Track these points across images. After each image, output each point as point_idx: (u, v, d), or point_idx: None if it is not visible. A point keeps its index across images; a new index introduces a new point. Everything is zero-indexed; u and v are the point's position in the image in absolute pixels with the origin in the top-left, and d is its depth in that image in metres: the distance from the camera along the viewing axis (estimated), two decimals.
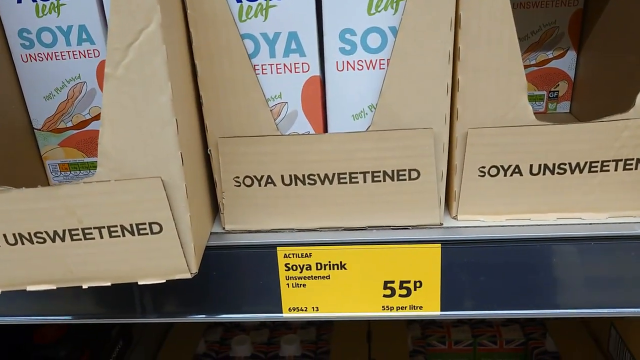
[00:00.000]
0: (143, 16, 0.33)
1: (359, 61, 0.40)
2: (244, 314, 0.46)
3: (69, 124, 0.49)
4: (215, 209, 0.47)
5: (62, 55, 0.46)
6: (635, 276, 0.42)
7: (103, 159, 0.36)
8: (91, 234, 0.38)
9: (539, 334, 0.89)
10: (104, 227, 0.37)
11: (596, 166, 0.42)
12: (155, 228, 0.38)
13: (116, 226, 0.38)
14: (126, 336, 0.82)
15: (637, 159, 0.41)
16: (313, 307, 0.45)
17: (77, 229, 0.37)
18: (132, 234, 0.38)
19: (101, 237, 0.38)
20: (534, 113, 0.64)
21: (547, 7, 0.60)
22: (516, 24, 0.60)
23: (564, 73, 0.62)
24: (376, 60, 0.40)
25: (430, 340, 0.90)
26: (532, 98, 0.63)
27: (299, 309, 0.45)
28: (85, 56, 0.46)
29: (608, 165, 0.42)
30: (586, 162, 0.42)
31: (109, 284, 0.39)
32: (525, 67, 0.62)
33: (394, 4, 0.38)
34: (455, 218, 0.45)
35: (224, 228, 0.45)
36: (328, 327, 0.93)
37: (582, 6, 0.60)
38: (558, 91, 0.63)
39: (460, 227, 0.44)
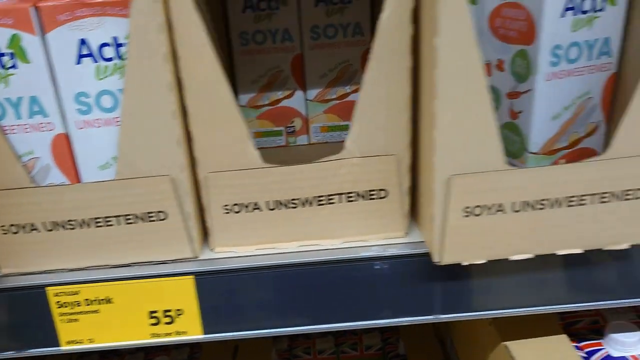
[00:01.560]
0: None
1: (96, 120, 0.45)
2: (27, 350, 0.50)
3: None
4: None
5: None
6: (364, 293, 0.49)
7: None
8: None
9: (394, 339, 0.95)
10: None
11: (322, 200, 0.48)
12: None
13: None
14: None
15: (357, 192, 0.48)
16: (88, 339, 0.49)
17: None
18: None
19: None
20: (277, 147, 0.68)
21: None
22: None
23: (295, 110, 0.67)
24: (112, 118, 0.45)
25: (296, 351, 0.95)
26: (272, 133, 0.68)
27: (76, 341, 0.49)
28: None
29: (333, 199, 0.48)
30: (314, 197, 0.48)
31: None
32: (260, 106, 0.66)
33: (118, 70, 0.43)
34: (213, 250, 0.50)
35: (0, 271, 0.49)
36: (199, 347, 0.97)
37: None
38: (294, 126, 0.68)
39: (216, 258, 0.49)
